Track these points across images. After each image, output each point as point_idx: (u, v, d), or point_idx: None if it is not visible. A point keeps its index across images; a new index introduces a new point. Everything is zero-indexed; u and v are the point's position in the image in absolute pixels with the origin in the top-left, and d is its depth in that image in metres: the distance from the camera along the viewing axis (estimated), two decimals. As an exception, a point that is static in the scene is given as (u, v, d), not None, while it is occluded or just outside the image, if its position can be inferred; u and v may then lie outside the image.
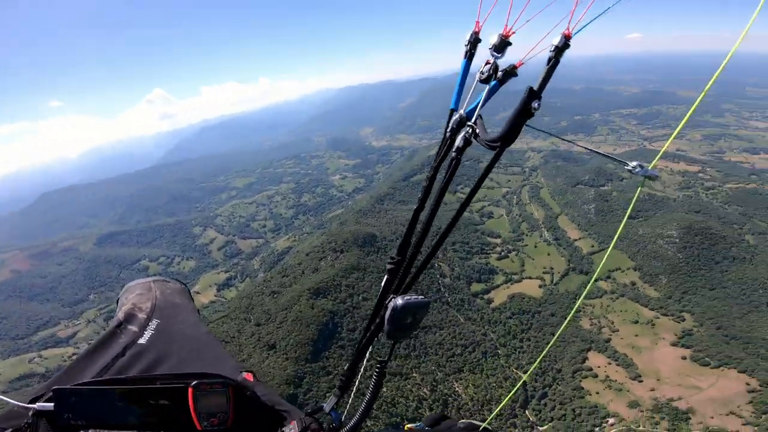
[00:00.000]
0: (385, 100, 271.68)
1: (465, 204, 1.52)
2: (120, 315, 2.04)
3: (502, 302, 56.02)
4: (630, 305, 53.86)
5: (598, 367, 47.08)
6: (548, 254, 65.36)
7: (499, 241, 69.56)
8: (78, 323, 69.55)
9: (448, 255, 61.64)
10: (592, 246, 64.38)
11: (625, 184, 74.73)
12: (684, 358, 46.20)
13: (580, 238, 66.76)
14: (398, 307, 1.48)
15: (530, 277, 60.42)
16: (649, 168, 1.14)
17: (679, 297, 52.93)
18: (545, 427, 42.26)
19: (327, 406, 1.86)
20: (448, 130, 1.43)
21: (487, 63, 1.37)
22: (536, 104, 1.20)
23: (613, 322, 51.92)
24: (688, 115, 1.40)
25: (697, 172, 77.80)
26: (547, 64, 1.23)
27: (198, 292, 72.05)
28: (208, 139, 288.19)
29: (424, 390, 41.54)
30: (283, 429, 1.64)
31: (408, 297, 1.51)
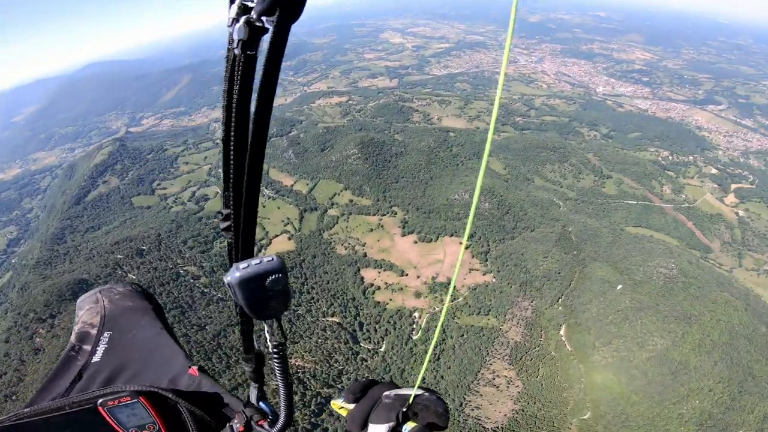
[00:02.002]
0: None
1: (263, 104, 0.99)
2: (72, 338, 2.00)
3: (268, 269, 54.38)
4: (359, 219, 62.84)
5: (374, 279, 53.49)
6: (278, 208, 66.99)
7: None
8: None
9: (187, 256, 53.83)
10: (307, 184, 70.65)
11: (306, 125, 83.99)
12: (415, 242, 58.08)
13: (295, 183, 71.57)
14: (233, 284, 1.15)
15: (276, 235, 60.98)
16: None
17: (383, 197, 65.64)
18: (384, 347, 46.20)
19: (253, 398, 1.76)
20: (229, 24, 1.01)
21: None
22: None
23: (358, 239, 59.45)
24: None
25: (347, 100, 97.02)
26: None
27: None
28: None
29: (272, 383, 36.81)
30: (231, 424, 1.61)
31: (245, 265, 1.16)
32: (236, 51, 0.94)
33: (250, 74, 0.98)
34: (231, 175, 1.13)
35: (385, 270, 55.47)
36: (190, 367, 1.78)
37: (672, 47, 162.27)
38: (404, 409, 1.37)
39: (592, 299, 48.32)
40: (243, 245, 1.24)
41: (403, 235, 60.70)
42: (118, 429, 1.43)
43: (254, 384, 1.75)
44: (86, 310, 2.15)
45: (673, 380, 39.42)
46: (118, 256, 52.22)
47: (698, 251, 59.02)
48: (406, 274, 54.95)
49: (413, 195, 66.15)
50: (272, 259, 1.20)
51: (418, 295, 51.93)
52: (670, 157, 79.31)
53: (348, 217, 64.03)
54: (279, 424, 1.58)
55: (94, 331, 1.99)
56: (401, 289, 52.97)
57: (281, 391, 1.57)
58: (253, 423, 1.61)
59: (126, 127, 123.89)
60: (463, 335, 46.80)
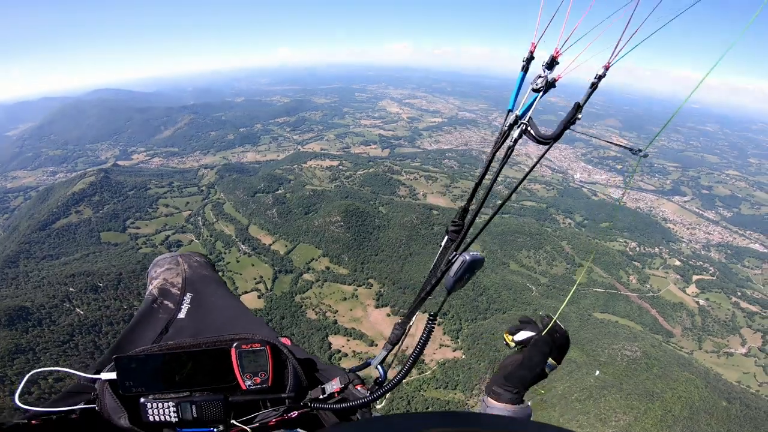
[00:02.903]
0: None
1: (518, 185, 1.84)
2: (154, 291, 2.12)
3: (231, 325, 53.35)
4: (334, 287, 62.49)
5: (342, 346, 52.87)
6: (252, 265, 66.44)
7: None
8: None
9: None
10: (286, 246, 70.69)
11: (293, 185, 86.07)
12: (388, 314, 57.95)
13: (274, 242, 71.51)
14: (467, 261, 1.66)
15: (246, 292, 59.84)
16: (644, 150, 1.52)
17: (360, 268, 65.85)
18: (344, 414, 45.30)
19: (374, 361, 1.98)
20: (506, 125, 1.71)
21: (539, 76, 1.62)
22: (580, 115, 1.55)
23: (330, 306, 58.99)
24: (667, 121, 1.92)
25: (337, 165, 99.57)
26: (590, 88, 1.55)
27: None
28: None
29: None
30: (324, 386, 1.78)
31: (474, 253, 1.68)
32: (509, 142, 1.67)
33: (508, 158, 1.70)
34: (470, 204, 1.82)
35: (354, 338, 54.90)
36: (278, 336, 1.90)
37: (645, 133, 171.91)
38: (544, 331, 1.75)
39: (559, 378, 48.46)
40: (466, 246, 1.80)
41: (377, 307, 60.46)
42: (237, 371, 1.59)
43: (389, 347, 2.00)
44: (166, 269, 2.27)
45: (636, 452, 39.43)
46: (70, 289, 50.49)
47: (661, 336, 61.10)
48: (376, 345, 53.99)
49: (391, 269, 66.75)
50: (480, 253, 1.71)
51: (386, 366, 51.45)
52: (638, 248, 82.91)
53: (323, 284, 63.72)
54: (383, 388, 1.81)
55: (175, 290, 2.12)
56: (370, 358, 52.32)
57: (412, 357, 1.82)
58: (350, 386, 1.81)
59: (115, 159, 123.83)
60: (428, 408, 45.88)
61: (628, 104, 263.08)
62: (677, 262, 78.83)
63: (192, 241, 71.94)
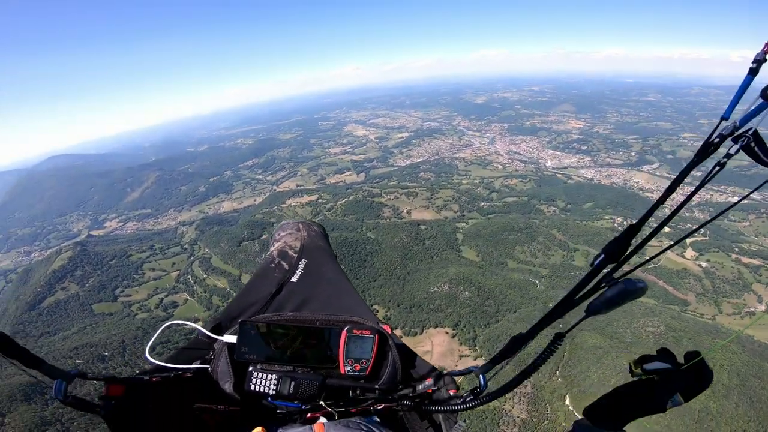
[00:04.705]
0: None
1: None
2: (274, 252, 2.27)
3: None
4: (345, 318, 62.15)
5: None
6: (251, 315, 64.65)
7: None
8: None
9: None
10: (282, 290, 69.06)
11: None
12: (401, 336, 56.05)
13: (268, 289, 69.69)
14: (629, 290, 1.38)
15: None
16: None
17: (362, 296, 65.15)
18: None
19: (479, 369, 1.90)
20: (716, 135, 1.44)
21: None
22: None
23: None
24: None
25: (316, 199, 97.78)
26: None
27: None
28: None
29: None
30: (415, 384, 1.76)
31: (639, 281, 1.38)
32: (722, 159, 1.40)
33: (718, 171, 1.41)
34: (645, 223, 1.46)
35: (372, 369, 53.94)
36: (378, 323, 1.84)
37: (598, 113, 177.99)
38: (686, 365, 1.50)
39: (589, 366, 47.53)
40: (627, 270, 1.48)
41: (389, 331, 59.88)
42: (341, 354, 1.59)
43: (497, 362, 1.82)
44: (288, 233, 2.34)
45: (700, 428, 37.94)
46: (77, 361, 49.80)
47: (677, 306, 60.69)
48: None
49: (393, 292, 65.50)
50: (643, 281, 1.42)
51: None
52: (625, 222, 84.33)
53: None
54: (479, 399, 1.73)
55: (292, 253, 2.17)
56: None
57: (522, 369, 1.62)
58: (444, 389, 1.80)
59: (88, 230, 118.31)
60: (465, 421, 44.35)
61: (575, 88, 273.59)
62: (667, 229, 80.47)
63: (187, 300, 69.51)
